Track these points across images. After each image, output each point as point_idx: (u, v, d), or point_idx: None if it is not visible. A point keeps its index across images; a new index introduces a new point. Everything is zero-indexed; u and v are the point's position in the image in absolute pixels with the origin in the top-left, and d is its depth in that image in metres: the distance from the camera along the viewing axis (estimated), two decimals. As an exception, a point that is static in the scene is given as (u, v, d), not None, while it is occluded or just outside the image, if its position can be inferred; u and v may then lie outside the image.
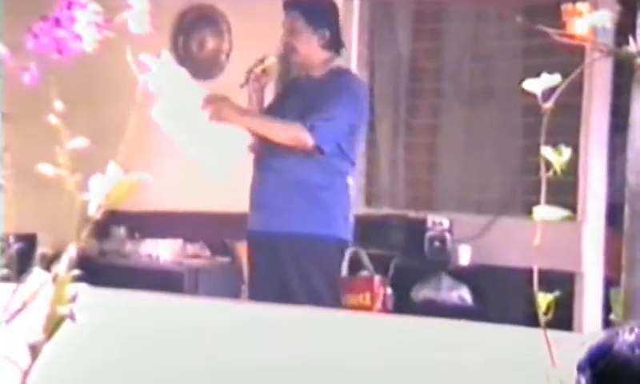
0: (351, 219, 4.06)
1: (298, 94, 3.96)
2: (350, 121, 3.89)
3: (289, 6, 3.99)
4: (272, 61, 3.95)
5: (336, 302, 4.04)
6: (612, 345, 1.18)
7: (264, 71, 3.95)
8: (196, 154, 3.66)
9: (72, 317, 1.28)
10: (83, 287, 1.32)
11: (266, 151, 3.92)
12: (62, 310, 1.26)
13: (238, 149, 3.80)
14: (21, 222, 1.44)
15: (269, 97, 4.15)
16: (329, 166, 3.90)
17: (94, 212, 1.32)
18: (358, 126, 3.98)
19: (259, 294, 3.90)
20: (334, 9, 4.05)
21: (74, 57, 1.34)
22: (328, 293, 3.98)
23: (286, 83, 4.11)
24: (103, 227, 4.99)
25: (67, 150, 1.31)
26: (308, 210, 3.88)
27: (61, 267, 1.30)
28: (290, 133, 3.81)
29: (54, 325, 1.26)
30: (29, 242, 1.46)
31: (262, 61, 3.96)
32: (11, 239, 1.45)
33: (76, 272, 1.31)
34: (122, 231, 5.21)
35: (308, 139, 3.79)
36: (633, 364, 1.15)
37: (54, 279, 1.30)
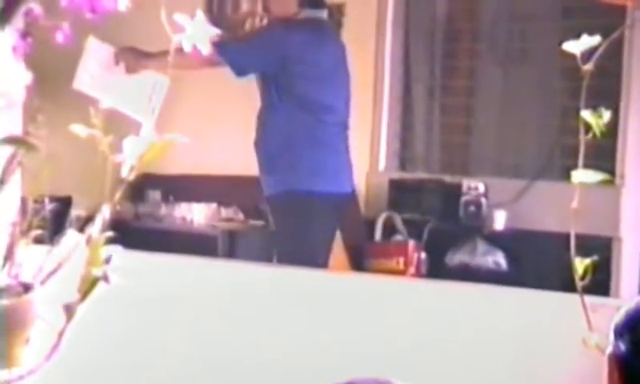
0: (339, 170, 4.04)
1: None
2: (277, 53, 3.88)
3: None
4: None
5: (318, 261, 4.00)
6: None
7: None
8: (125, 108, 3.65)
9: (106, 278, 1.28)
10: (117, 249, 1.32)
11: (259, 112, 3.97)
12: (96, 271, 1.26)
13: (160, 96, 3.76)
14: (56, 183, 1.44)
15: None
16: (290, 116, 3.90)
17: (127, 173, 1.31)
18: (293, 63, 3.90)
19: (280, 256, 3.94)
20: None
21: (107, 16, 1.33)
22: (308, 250, 3.93)
23: None
24: (138, 190, 5.02)
25: (101, 111, 1.30)
26: (284, 168, 3.91)
27: (94, 229, 1.29)
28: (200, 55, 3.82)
29: (88, 286, 1.26)
30: (64, 203, 1.46)
31: (252, 14, 4.07)
32: (46, 201, 1.45)
33: (109, 234, 1.31)
34: (156, 194, 5.23)
35: (212, 55, 3.76)
36: None
37: (88, 241, 1.30)
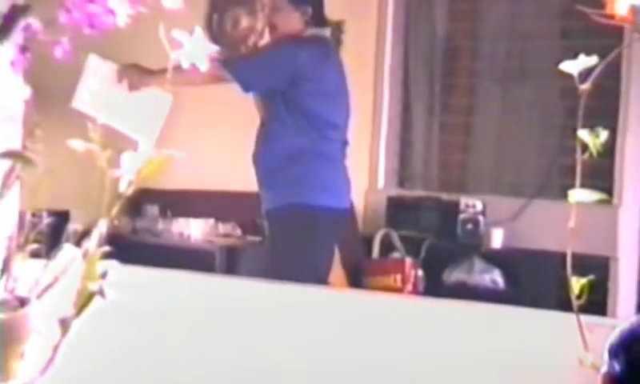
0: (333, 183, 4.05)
1: None
2: (285, 71, 3.91)
3: None
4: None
5: (319, 277, 4.00)
6: None
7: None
8: (125, 127, 3.65)
9: (102, 293, 1.28)
10: (113, 264, 1.32)
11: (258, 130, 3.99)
12: (92, 286, 1.26)
13: (163, 113, 3.76)
14: (54, 198, 1.44)
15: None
16: (300, 135, 3.93)
17: (125, 188, 1.31)
18: (301, 80, 3.93)
19: (276, 272, 3.93)
20: None
21: (106, 32, 1.34)
22: (310, 265, 3.93)
23: None
24: (136, 205, 5.02)
25: (99, 125, 1.31)
26: (285, 182, 3.92)
27: (91, 243, 1.29)
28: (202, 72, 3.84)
29: (83, 301, 1.26)
30: (61, 218, 1.46)
31: (251, 30, 4.07)
32: (44, 215, 1.46)
33: (106, 248, 1.31)
34: (154, 209, 5.22)
35: (217, 70, 3.74)
36: None
37: (84, 255, 1.30)
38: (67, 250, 1.36)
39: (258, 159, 4.04)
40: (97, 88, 3.55)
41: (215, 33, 5.45)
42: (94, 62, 3.58)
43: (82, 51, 1.33)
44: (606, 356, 1.20)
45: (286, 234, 3.96)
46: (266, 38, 5.33)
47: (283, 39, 4.05)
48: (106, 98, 3.60)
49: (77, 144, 1.31)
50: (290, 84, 3.91)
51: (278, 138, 3.97)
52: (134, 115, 3.63)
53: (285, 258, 3.95)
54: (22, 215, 1.45)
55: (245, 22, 5.61)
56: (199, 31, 1.38)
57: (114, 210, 1.33)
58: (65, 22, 1.32)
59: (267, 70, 3.94)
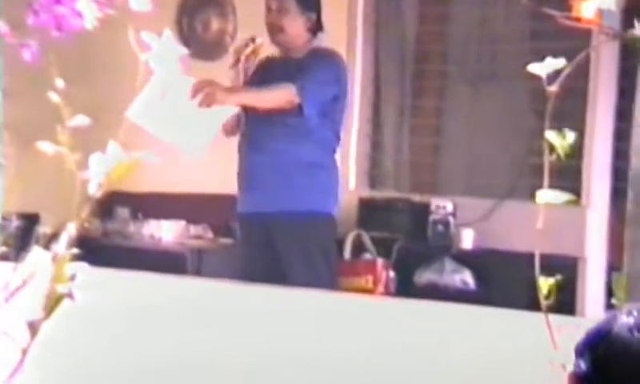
0: (340, 197, 4.09)
1: (276, 73, 3.95)
2: (335, 91, 3.95)
3: None
4: (260, 42, 3.97)
5: (334, 282, 4.06)
6: (611, 328, 1.17)
7: (253, 52, 3.96)
8: (175, 141, 3.69)
9: (71, 296, 1.27)
10: (83, 266, 1.31)
11: (257, 134, 3.94)
12: (61, 288, 1.26)
13: (214, 130, 3.80)
14: (24, 201, 1.43)
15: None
16: (322, 143, 3.94)
17: (95, 191, 1.31)
18: (341, 99, 4.02)
19: (251, 275, 3.90)
20: None
21: (75, 34, 1.33)
22: (326, 272, 4.00)
23: (262, 62, 4.08)
24: (106, 208, 5.00)
25: (68, 128, 1.30)
26: (305, 188, 3.91)
27: (60, 246, 1.29)
28: (281, 96, 3.84)
29: (52, 303, 1.26)
30: (31, 221, 1.45)
31: (252, 41, 3.98)
32: (13, 218, 1.45)
33: (75, 251, 1.31)
34: (125, 212, 5.21)
35: (295, 99, 3.81)
36: (632, 347, 1.15)
37: (54, 258, 1.29)
38: (36, 253, 1.36)
39: (264, 167, 3.98)
40: (155, 100, 3.56)
41: (186, 36, 5.44)
42: (169, 37, 3.54)
43: (50, 52, 1.33)
44: (572, 355, 1.21)
45: (305, 239, 3.94)
46: (238, 40, 5.32)
47: (331, 53, 4.04)
48: (162, 110, 3.62)
49: (46, 146, 1.30)
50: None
51: (302, 147, 3.95)
52: (185, 130, 3.67)
53: (301, 266, 3.93)
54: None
55: (215, 24, 5.60)
56: (168, 33, 1.38)
57: (84, 213, 1.33)
58: (32, 24, 1.31)
59: (330, 88, 3.92)
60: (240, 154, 4.03)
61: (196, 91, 3.68)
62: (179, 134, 3.70)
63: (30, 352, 1.29)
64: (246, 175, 4.01)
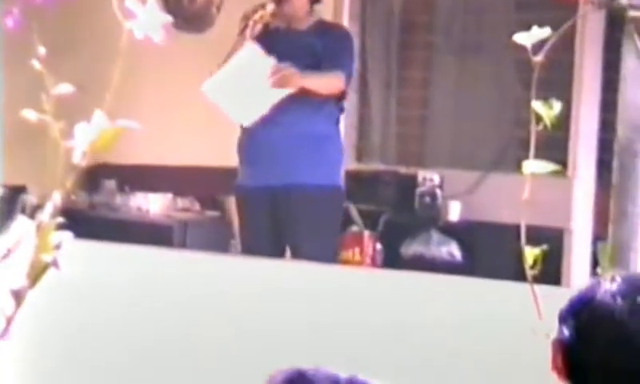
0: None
1: (283, 45, 3.92)
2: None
3: None
4: (272, 8, 3.92)
5: (336, 255, 4.09)
6: (594, 295, 1.18)
7: (261, 18, 3.93)
8: (229, 110, 3.83)
9: (55, 264, 1.27)
10: (68, 235, 1.31)
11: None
12: (46, 257, 1.26)
13: (266, 107, 3.85)
14: (11, 172, 1.43)
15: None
16: (329, 115, 3.97)
17: (79, 160, 1.31)
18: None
19: (254, 248, 3.89)
20: None
21: (59, 2, 1.32)
22: (332, 245, 4.02)
23: (264, 31, 4.04)
24: (93, 180, 4.98)
25: (52, 96, 1.29)
26: (316, 161, 3.92)
27: (44, 215, 1.29)
28: (335, 83, 3.94)
29: (37, 272, 1.26)
30: (16, 191, 1.45)
31: (262, 7, 3.93)
32: (-1, 189, 1.44)
33: (60, 220, 1.30)
34: (112, 184, 5.19)
35: (343, 86, 3.97)
36: (615, 313, 1.15)
37: (38, 227, 1.29)
38: (21, 223, 1.35)
39: (284, 142, 3.97)
40: (235, 78, 3.74)
41: (172, 7, 5.40)
42: (250, 52, 3.76)
43: (33, 20, 1.32)
44: (556, 322, 1.22)
45: (315, 213, 3.94)
46: (233, 13, 5.29)
47: (342, 26, 4.18)
48: (237, 87, 3.78)
49: (30, 114, 1.30)
50: None
51: (324, 122, 4.00)
52: (245, 103, 3.82)
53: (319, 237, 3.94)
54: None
55: (202, -5, 5.57)
56: (152, 1, 1.37)
57: (69, 182, 1.32)
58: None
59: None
60: (245, 127, 3.99)
61: (274, 73, 3.77)
62: (236, 104, 3.81)
63: (15, 320, 1.29)
64: (253, 148, 3.97)
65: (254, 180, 3.97)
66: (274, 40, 3.97)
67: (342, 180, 4.04)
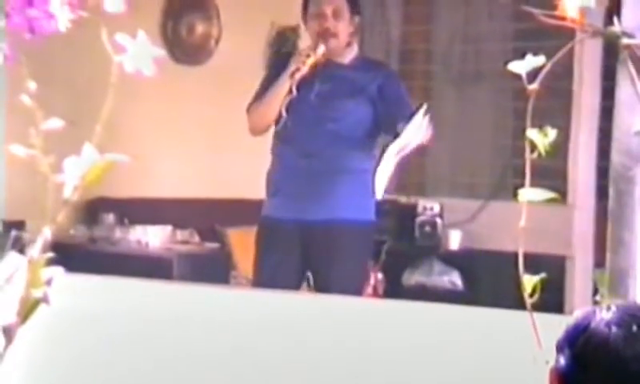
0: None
1: (328, 78, 3.83)
2: None
3: None
4: (323, 50, 3.78)
5: (361, 288, 4.01)
6: (589, 323, 1.18)
7: (315, 62, 3.77)
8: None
9: (46, 300, 1.26)
10: (59, 271, 1.30)
11: (302, 138, 3.82)
12: (36, 292, 1.25)
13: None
14: (13, 208, 1.42)
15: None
16: (367, 149, 3.88)
17: (70, 194, 1.30)
18: None
19: (272, 281, 3.80)
20: None
21: (48, 36, 1.32)
22: (360, 275, 3.93)
23: (315, 69, 3.82)
24: (92, 214, 4.98)
25: (41, 131, 1.29)
26: (350, 195, 3.82)
27: (34, 250, 1.28)
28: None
29: (28, 308, 1.25)
30: (17, 228, 1.44)
31: (314, 51, 3.78)
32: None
33: (50, 255, 1.29)
34: (111, 218, 5.18)
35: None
36: (610, 341, 1.15)
37: (29, 262, 1.28)
38: (13, 258, 1.35)
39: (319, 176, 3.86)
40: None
41: (171, 40, 5.43)
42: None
43: (23, 54, 1.32)
44: (554, 351, 1.21)
45: (347, 248, 3.84)
46: (231, 45, 5.31)
47: (386, 67, 4.16)
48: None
49: (18, 150, 1.29)
50: None
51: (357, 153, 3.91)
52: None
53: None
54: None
55: (200, 28, 5.59)
56: (142, 34, 1.36)
57: (60, 217, 1.31)
58: (5, 26, 1.30)
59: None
60: (277, 157, 3.89)
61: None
62: None
63: (7, 358, 1.28)
64: (288, 180, 3.86)
65: (286, 212, 3.82)
66: (322, 74, 3.84)
67: (373, 213, 3.93)
